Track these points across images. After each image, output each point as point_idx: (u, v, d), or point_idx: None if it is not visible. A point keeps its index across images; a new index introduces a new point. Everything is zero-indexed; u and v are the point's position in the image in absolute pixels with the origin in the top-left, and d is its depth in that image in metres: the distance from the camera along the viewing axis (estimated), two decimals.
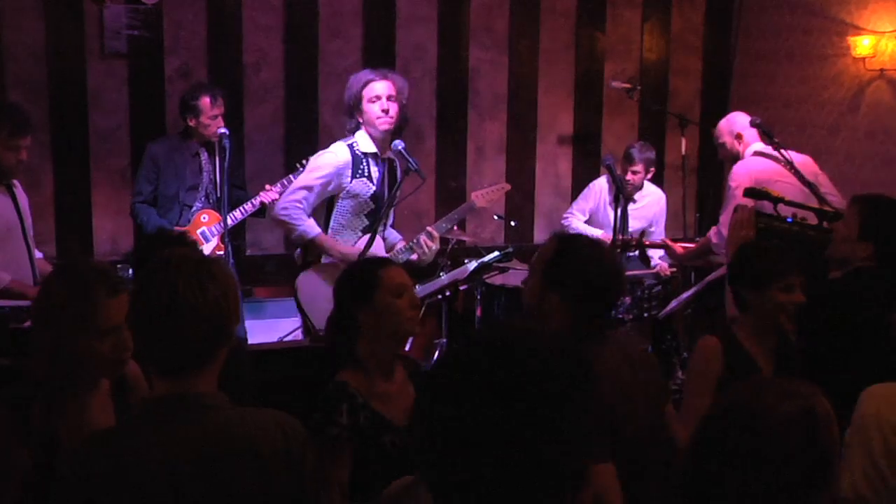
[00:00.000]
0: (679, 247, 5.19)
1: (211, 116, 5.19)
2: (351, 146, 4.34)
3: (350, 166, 4.31)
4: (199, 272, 1.87)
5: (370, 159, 4.36)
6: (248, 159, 6.12)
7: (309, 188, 4.33)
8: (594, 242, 2.77)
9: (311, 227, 4.34)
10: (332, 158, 4.35)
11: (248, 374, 3.68)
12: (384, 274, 2.64)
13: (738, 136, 5.06)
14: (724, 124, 5.17)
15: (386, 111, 4.28)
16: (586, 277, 2.56)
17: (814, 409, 1.64)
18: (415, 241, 4.45)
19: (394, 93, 4.31)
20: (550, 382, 1.17)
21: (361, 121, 4.31)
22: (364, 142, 4.36)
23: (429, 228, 4.49)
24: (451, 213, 4.63)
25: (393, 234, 4.69)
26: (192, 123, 5.22)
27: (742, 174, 4.69)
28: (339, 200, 4.38)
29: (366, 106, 4.30)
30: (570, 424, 1.17)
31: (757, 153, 4.93)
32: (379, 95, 4.31)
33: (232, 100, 5.92)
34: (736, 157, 5.03)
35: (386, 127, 4.30)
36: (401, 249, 4.47)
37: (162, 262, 1.90)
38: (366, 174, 4.34)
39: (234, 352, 1.99)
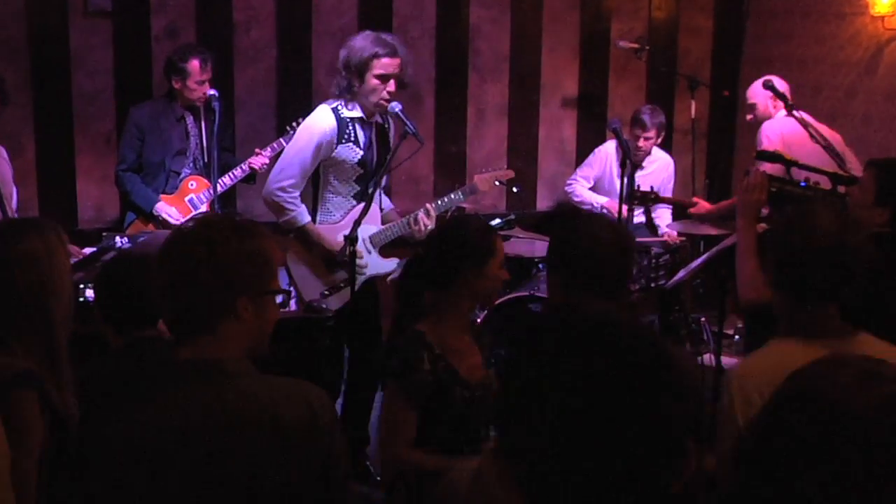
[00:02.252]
0: (707, 204, 5.22)
1: (198, 81, 5.15)
2: (335, 110, 4.30)
3: (335, 132, 4.28)
4: (196, 237, 1.90)
5: (356, 123, 4.33)
6: (239, 122, 6.09)
7: (302, 163, 4.30)
8: (601, 222, 2.72)
9: (302, 213, 4.34)
10: (317, 125, 4.31)
11: (322, 340, 3.74)
12: (499, 245, 2.86)
13: (774, 99, 5.15)
14: (758, 87, 5.27)
15: (390, 93, 4.25)
16: (591, 260, 2.53)
17: None
18: (412, 217, 4.43)
19: (398, 70, 4.27)
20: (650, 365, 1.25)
21: (357, 89, 4.25)
22: (350, 106, 4.32)
23: (427, 206, 4.48)
24: (451, 194, 4.60)
25: (385, 201, 4.67)
26: (176, 86, 5.18)
27: (772, 133, 4.73)
28: (327, 168, 4.36)
29: (369, 80, 4.23)
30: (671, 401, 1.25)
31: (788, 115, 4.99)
32: (387, 74, 4.23)
33: (222, 60, 5.87)
34: (766, 120, 5.11)
35: (383, 106, 4.27)
36: (398, 224, 4.46)
37: (176, 230, 1.97)
38: (352, 139, 4.32)
39: (309, 318, 2.03)
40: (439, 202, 4.53)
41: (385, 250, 4.57)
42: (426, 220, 4.43)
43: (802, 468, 1.34)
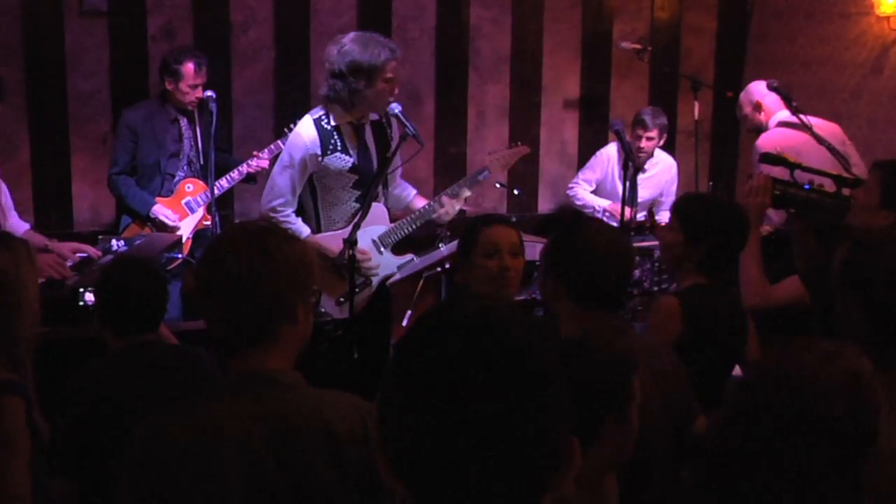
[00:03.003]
0: None
1: (191, 84, 5.18)
2: (317, 121, 4.30)
3: (318, 145, 4.27)
4: (250, 244, 1.91)
5: (342, 131, 4.33)
6: (236, 124, 6.11)
7: (290, 181, 4.31)
8: (601, 230, 2.75)
9: (299, 228, 4.33)
10: (299, 140, 4.32)
11: (324, 356, 3.75)
12: (484, 236, 3.13)
13: (758, 106, 5.10)
14: (743, 96, 5.24)
15: (395, 95, 4.29)
16: (587, 270, 2.53)
17: (859, 373, 1.63)
18: (437, 199, 4.47)
19: (399, 71, 4.32)
20: (529, 359, 1.12)
21: (365, 93, 4.24)
22: (339, 114, 4.33)
23: (454, 187, 4.51)
24: (466, 178, 4.62)
25: (407, 190, 4.66)
26: (169, 87, 5.21)
27: (766, 148, 4.71)
28: (320, 179, 4.37)
29: (379, 84, 4.25)
30: (551, 402, 1.13)
31: (782, 123, 4.95)
32: (395, 78, 4.28)
33: (219, 61, 5.90)
34: (761, 130, 5.06)
35: (387, 103, 4.29)
36: (409, 219, 4.50)
37: (219, 237, 2.02)
38: (339, 148, 4.32)
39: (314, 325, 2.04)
40: (450, 190, 4.53)
41: (399, 248, 4.58)
42: (453, 203, 4.45)
43: (776, 433, 1.58)
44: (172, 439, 1.85)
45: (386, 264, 4.52)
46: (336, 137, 4.32)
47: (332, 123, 4.31)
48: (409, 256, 4.60)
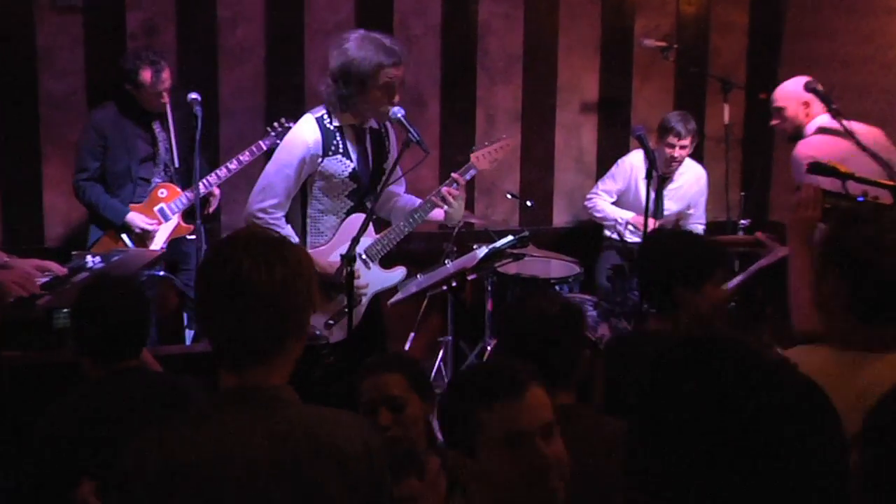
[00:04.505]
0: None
1: (153, 93, 5.21)
2: (320, 120, 4.32)
3: (320, 145, 4.30)
4: (268, 252, 1.94)
5: (345, 133, 4.35)
6: (224, 129, 6.13)
7: (285, 181, 4.31)
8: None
9: (290, 235, 4.33)
10: (299, 138, 4.33)
11: (318, 370, 3.76)
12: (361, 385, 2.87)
13: (807, 105, 5.06)
14: (790, 88, 5.15)
15: (395, 104, 4.26)
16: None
17: None
18: (435, 194, 4.44)
19: (402, 77, 4.29)
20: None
21: (357, 101, 4.26)
22: (339, 114, 4.35)
23: (454, 175, 4.47)
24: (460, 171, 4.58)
25: (412, 203, 4.64)
26: (132, 93, 5.25)
27: (808, 158, 4.69)
28: (314, 183, 4.37)
29: (373, 92, 4.25)
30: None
31: (821, 129, 4.94)
32: (393, 85, 4.24)
33: (205, 61, 5.93)
34: (797, 130, 5.04)
35: (385, 112, 4.27)
36: (399, 227, 4.48)
37: (229, 240, 2.01)
38: (340, 150, 4.33)
39: (308, 347, 2.09)
40: (432, 197, 4.50)
41: (388, 260, 4.59)
42: (454, 192, 4.43)
43: None
44: (170, 455, 1.88)
45: (375, 280, 4.52)
46: (339, 139, 4.35)
47: (335, 124, 4.34)
48: (399, 270, 4.60)
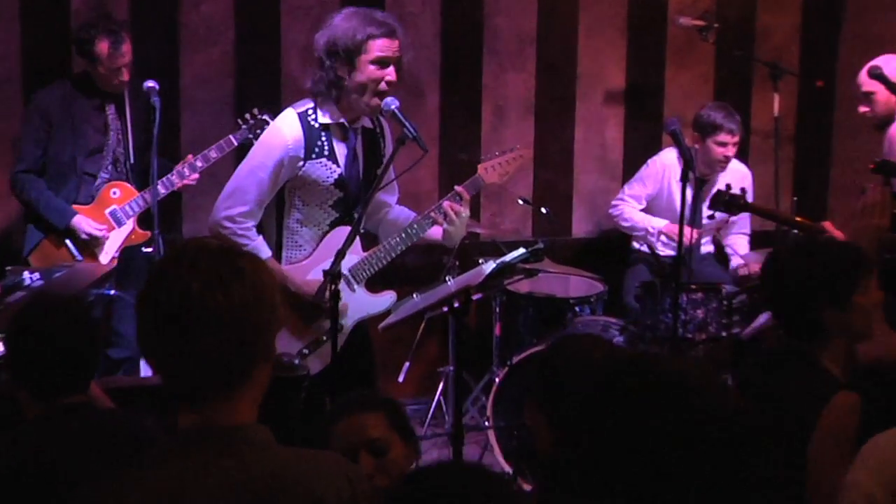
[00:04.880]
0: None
1: (111, 68, 5.21)
2: (303, 116, 4.32)
3: (302, 145, 4.29)
4: (221, 268, 1.93)
5: (332, 132, 4.35)
6: (186, 122, 6.13)
7: (258, 185, 4.31)
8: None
9: (259, 248, 4.32)
10: (277, 136, 4.34)
11: (296, 405, 3.74)
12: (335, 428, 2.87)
13: None
14: (884, 64, 5.25)
15: (389, 83, 4.27)
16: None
17: None
18: (435, 209, 4.44)
19: (397, 54, 4.31)
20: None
21: (347, 81, 4.28)
22: (330, 111, 4.35)
23: (457, 188, 4.49)
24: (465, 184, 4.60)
25: (405, 215, 4.65)
26: (87, 69, 5.26)
27: None
28: (293, 190, 4.37)
29: (364, 66, 4.25)
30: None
31: None
32: (386, 58, 4.25)
33: (163, 43, 5.94)
34: (887, 119, 5.12)
35: (377, 103, 4.29)
36: (390, 244, 4.48)
37: (173, 256, 1.98)
38: (325, 152, 4.33)
39: (278, 377, 2.10)
40: (430, 212, 4.51)
41: (375, 282, 4.58)
42: (457, 208, 4.43)
43: None
44: None
45: (359, 305, 4.51)
46: (324, 139, 4.35)
47: (322, 121, 4.35)
48: (387, 295, 4.60)
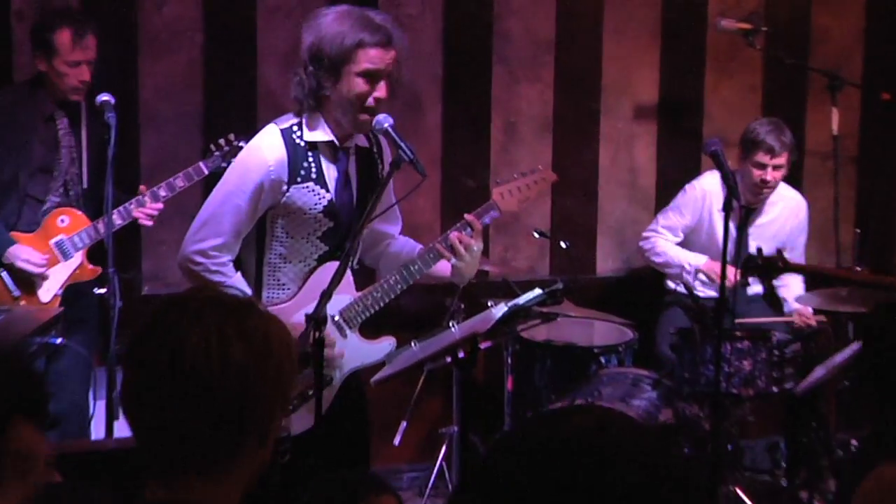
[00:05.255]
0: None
1: (71, 62, 5.23)
2: (287, 133, 4.34)
3: (285, 167, 4.31)
4: (224, 323, 1.94)
5: (320, 152, 4.37)
6: (146, 142, 6.15)
7: (234, 214, 4.32)
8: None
9: (237, 284, 4.34)
10: (257, 158, 4.34)
11: (275, 473, 3.75)
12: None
13: None
14: None
15: (378, 100, 4.28)
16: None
17: None
18: (441, 239, 4.47)
19: (391, 66, 4.33)
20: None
21: (331, 93, 4.30)
22: (314, 126, 4.37)
23: (467, 217, 4.49)
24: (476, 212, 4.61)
25: (409, 247, 4.68)
26: (41, 67, 5.29)
27: None
28: (275, 219, 4.39)
29: (350, 79, 4.26)
30: None
31: None
32: (376, 71, 4.26)
33: (121, 51, 5.96)
34: None
35: (365, 120, 4.30)
36: (388, 282, 4.49)
37: (178, 302, 1.99)
38: (312, 175, 4.34)
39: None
40: (436, 244, 4.51)
41: (371, 327, 4.59)
42: (466, 241, 4.45)
43: None
44: None
45: (354, 353, 4.52)
46: (311, 160, 4.36)
47: (308, 140, 4.37)
48: (386, 341, 4.61)
